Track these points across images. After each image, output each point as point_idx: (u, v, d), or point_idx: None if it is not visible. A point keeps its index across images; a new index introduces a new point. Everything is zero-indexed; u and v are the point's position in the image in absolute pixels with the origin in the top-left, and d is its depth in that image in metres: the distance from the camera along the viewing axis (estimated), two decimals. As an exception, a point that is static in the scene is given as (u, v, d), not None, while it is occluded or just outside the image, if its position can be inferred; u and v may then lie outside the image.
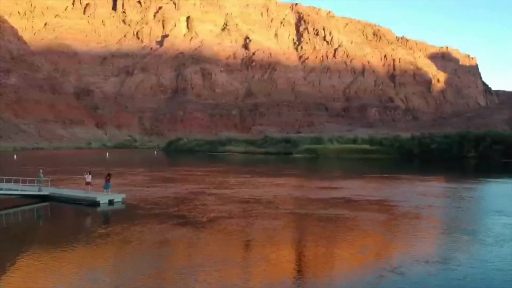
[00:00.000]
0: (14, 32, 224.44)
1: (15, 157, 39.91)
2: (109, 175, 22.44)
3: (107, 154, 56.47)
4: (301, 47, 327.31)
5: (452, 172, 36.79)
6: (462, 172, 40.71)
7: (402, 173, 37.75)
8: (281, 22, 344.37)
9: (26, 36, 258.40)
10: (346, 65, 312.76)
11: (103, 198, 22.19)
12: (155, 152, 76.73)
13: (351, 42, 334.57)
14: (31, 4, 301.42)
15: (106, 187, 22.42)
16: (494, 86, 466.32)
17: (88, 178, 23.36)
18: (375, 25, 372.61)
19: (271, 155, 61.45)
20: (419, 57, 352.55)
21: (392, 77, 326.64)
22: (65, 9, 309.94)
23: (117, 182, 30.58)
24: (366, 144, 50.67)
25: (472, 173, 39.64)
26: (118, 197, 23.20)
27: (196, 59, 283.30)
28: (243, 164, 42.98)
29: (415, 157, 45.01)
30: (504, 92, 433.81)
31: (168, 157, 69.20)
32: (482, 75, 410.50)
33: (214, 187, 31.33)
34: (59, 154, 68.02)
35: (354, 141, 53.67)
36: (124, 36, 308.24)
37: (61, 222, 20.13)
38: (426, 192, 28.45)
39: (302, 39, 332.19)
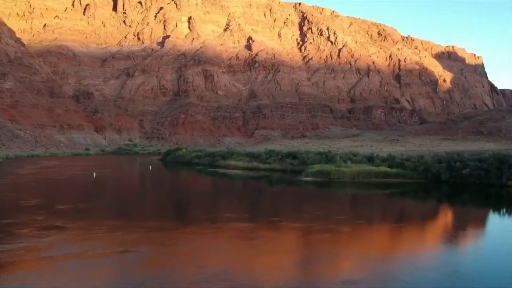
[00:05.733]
0: (11, 34, 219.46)
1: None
2: None
3: (94, 174, 50.74)
4: (305, 48, 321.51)
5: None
6: None
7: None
8: (285, 22, 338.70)
9: (24, 37, 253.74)
10: (350, 65, 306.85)
11: None
12: (150, 167, 71.12)
13: (356, 42, 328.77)
14: (30, 5, 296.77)
15: None
16: (499, 85, 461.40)
17: None
18: (380, 25, 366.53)
19: (277, 172, 55.81)
20: (425, 56, 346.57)
21: (397, 77, 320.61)
22: (65, 10, 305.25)
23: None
24: (384, 163, 44.88)
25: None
26: None
27: (198, 60, 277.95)
28: (255, 195, 36.72)
29: (443, 183, 39.03)
30: (510, 91, 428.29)
31: (166, 174, 63.68)
32: (487, 74, 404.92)
33: None
34: (46, 169, 62.51)
35: (370, 159, 47.91)
36: (125, 37, 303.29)
37: None
38: None
39: (306, 39, 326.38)
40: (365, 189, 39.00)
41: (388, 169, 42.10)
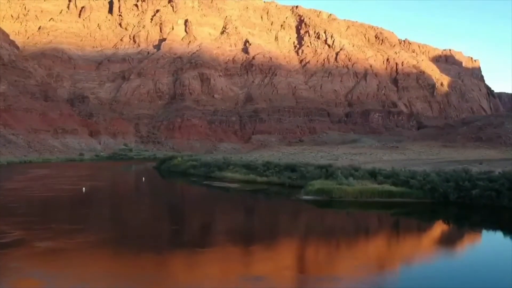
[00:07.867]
0: (5, 36, 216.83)
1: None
2: None
3: (84, 189, 48.54)
4: (302, 51, 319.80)
5: None
6: None
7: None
8: (282, 25, 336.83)
9: (19, 40, 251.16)
10: (348, 69, 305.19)
11: None
12: (143, 178, 69.13)
13: (353, 45, 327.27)
14: (25, 8, 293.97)
15: None
16: (495, 88, 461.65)
17: None
18: (378, 28, 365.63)
19: (274, 186, 54.17)
20: (422, 60, 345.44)
21: (395, 81, 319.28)
22: (60, 13, 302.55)
23: None
24: (388, 180, 42.83)
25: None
26: None
27: (194, 63, 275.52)
28: (257, 221, 34.32)
29: (451, 203, 37.11)
30: (506, 94, 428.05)
31: (160, 187, 61.61)
32: (484, 78, 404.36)
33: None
34: (34, 181, 60.24)
35: (373, 174, 45.94)
36: (121, 40, 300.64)
37: None
38: None
39: (303, 43, 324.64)
40: (370, 210, 37.20)
41: (392, 188, 40.10)
